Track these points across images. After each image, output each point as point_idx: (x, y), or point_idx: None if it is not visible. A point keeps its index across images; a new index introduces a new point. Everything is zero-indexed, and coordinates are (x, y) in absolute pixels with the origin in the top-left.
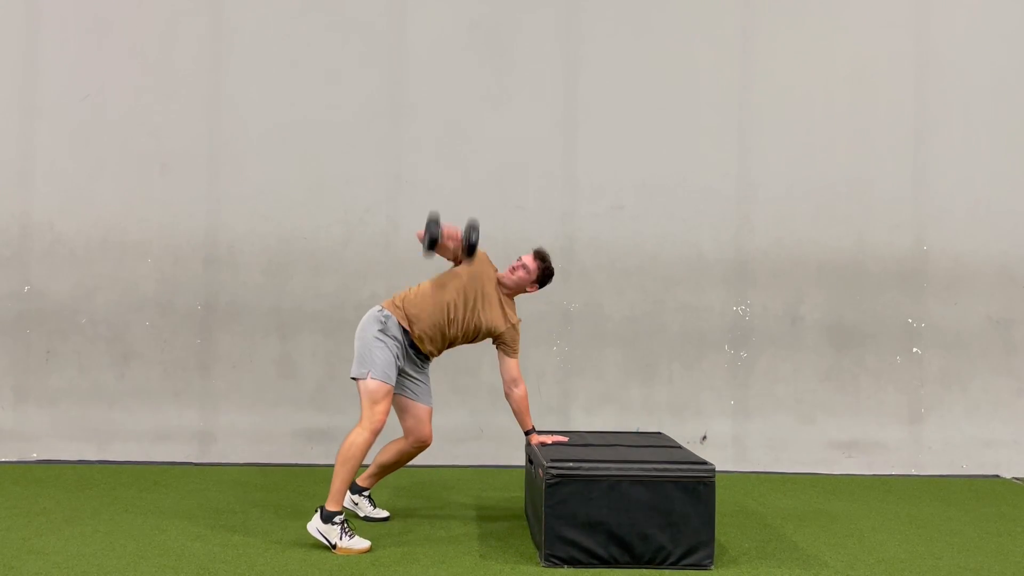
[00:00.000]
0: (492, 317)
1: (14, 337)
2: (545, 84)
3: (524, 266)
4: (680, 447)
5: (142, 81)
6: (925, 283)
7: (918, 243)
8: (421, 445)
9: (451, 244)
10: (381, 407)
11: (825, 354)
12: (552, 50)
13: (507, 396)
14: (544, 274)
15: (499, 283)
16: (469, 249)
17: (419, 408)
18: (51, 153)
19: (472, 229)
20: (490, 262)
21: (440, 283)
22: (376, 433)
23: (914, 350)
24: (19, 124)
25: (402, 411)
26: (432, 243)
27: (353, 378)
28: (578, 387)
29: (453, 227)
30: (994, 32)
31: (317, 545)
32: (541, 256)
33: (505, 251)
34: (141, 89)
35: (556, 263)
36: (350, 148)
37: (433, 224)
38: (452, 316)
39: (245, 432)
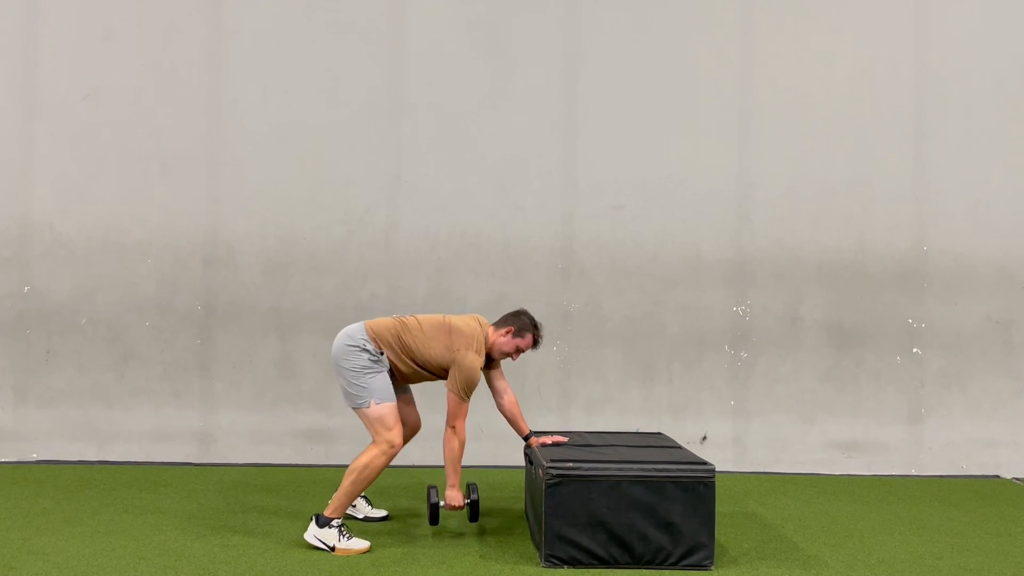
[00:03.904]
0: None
1: (14, 337)
2: (545, 84)
3: (518, 350)
4: (680, 447)
5: (142, 81)
6: (925, 283)
7: (918, 243)
8: (413, 432)
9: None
10: (396, 430)
11: (825, 354)
12: (552, 50)
13: (499, 407)
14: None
15: (491, 352)
16: (472, 514)
17: (404, 398)
18: (51, 153)
19: (471, 489)
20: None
21: (425, 348)
22: (393, 457)
23: (914, 350)
24: (19, 124)
25: None
26: (433, 513)
27: (353, 408)
28: (578, 387)
29: (455, 501)
30: (994, 33)
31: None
32: (536, 339)
33: (505, 251)
34: (141, 89)
35: (556, 263)
36: (350, 148)
37: (433, 494)
38: (429, 373)
39: (245, 432)
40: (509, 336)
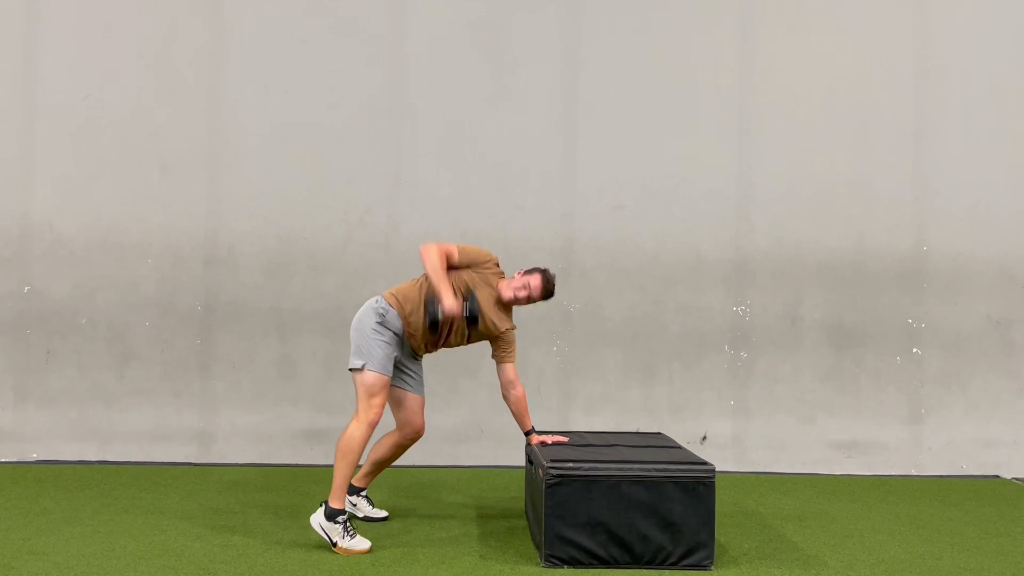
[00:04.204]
0: (488, 322)
1: (14, 337)
2: (545, 84)
3: (527, 285)
4: (680, 447)
5: (142, 81)
6: (925, 283)
7: (918, 243)
8: (415, 436)
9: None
10: (378, 400)
11: (825, 354)
12: (552, 50)
13: (505, 398)
14: (543, 297)
15: (500, 288)
16: (471, 319)
17: (413, 399)
18: (51, 153)
19: (468, 300)
20: (495, 267)
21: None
22: (373, 426)
23: (914, 350)
24: (19, 124)
25: (396, 403)
26: (433, 323)
27: (350, 369)
28: (578, 387)
29: (451, 305)
30: (994, 33)
31: (317, 546)
32: (547, 281)
33: (505, 251)
34: (141, 89)
35: (556, 263)
36: (350, 148)
37: (431, 304)
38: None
39: (245, 432)
40: (520, 273)
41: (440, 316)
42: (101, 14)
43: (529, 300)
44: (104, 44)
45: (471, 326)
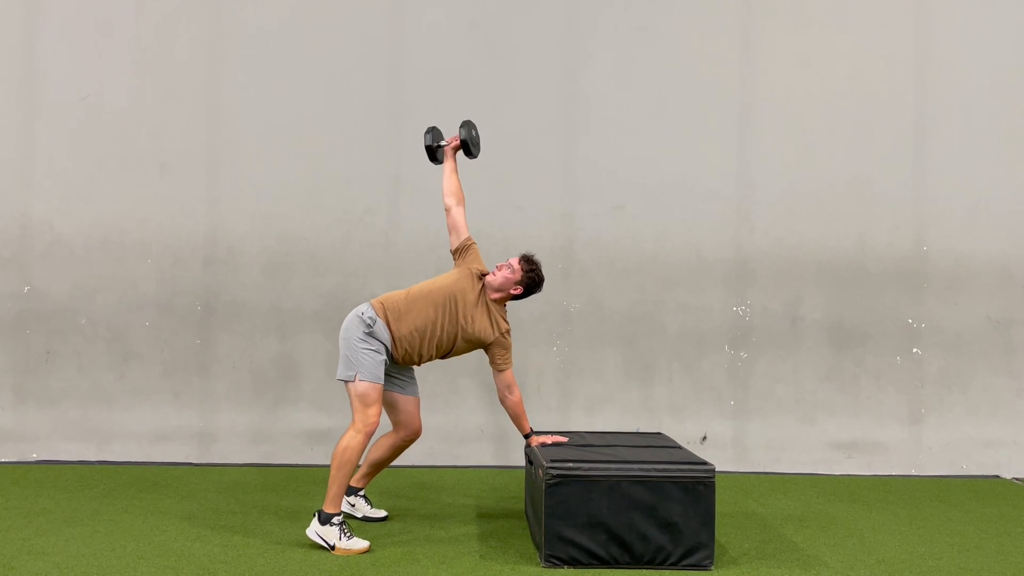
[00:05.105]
0: (479, 328)
1: (14, 337)
2: (545, 84)
3: (509, 266)
4: (680, 447)
5: (142, 81)
6: (925, 283)
7: (918, 243)
8: (413, 437)
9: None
10: (374, 409)
11: (825, 354)
12: (552, 50)
13: (502, 402)
14: (529, 278)
15: (485, 286)
16: (464, 146)
17: (407, 400)
18: (51, 153)
19: (464, 127)
20: (475, 277)
21: (426, 295)
22: (370, 435)
23: (914, 350)
24: (19, 124)
25: (391, 406)
26: (430, 153)
27: (341, 380)
28: (578, 387)
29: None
30: (994, 32)
31: (317, 546)
32: (527, 259)
33: (505, 251)
34: (141, 89)
35: (556, 263)
36: (350, 148)
37: (427, 136)
38: (434, 332)
39: (245, 432)
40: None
41: (441, 144)
42: (100, 14)
43: (511, 276)
44: (103, 43)
45: (468, 155)
